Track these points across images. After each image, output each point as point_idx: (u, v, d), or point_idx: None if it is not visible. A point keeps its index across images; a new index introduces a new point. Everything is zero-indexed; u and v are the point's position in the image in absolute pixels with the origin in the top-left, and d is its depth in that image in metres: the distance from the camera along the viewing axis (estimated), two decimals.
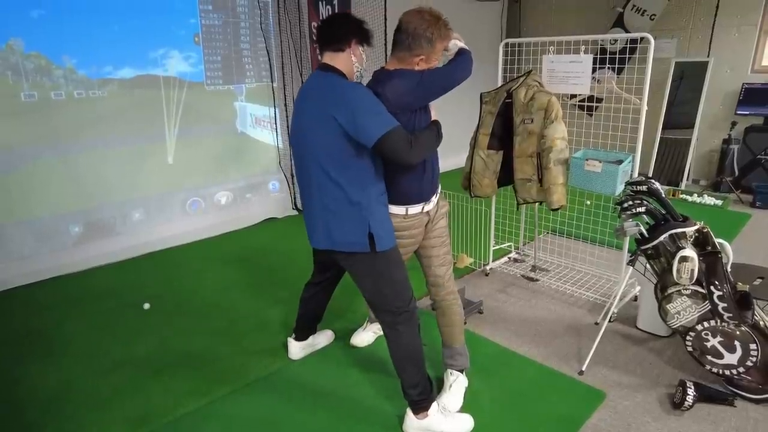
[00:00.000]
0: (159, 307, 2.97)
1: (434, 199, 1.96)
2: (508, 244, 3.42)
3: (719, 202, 4.61)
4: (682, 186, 5.15)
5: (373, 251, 1.73)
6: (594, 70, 2.62)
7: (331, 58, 1.75)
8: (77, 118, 3.47)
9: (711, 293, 1.93)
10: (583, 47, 2.52)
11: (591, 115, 2.99)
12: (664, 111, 5.24)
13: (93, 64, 3.45)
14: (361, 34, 1.76)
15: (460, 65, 1.79)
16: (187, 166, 4.08)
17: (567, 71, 2.60)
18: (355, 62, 1.76)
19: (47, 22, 3.22)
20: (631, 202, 2.10)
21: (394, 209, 1.88)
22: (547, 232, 3.83)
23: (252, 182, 4.52)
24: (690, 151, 5.12)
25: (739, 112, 4.98)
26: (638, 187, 2.13)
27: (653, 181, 2.12)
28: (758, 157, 4.82)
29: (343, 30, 1.74)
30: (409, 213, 1.89)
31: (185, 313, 2.89)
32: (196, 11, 3.87)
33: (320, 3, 3.85)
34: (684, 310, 2.02)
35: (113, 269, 3.57)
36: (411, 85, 1.70)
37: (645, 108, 2.42)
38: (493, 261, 3.31)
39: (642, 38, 2.41)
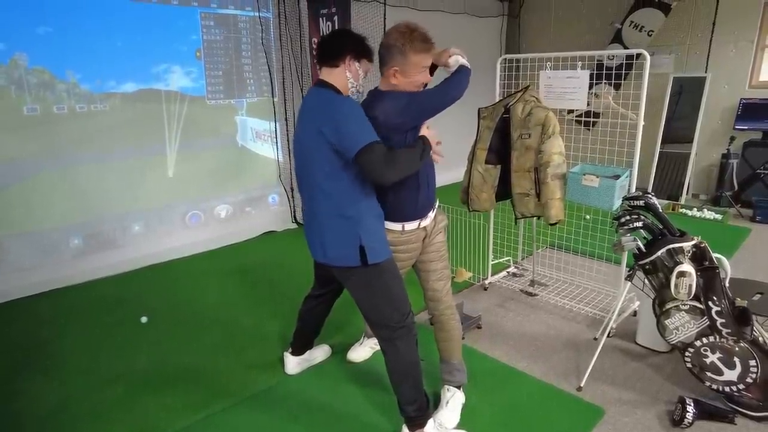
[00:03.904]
0: (158, 320, 2.97)
1: (431, 214, 1.96)
2: (507, 258, 3.42)
3: (719, 217, 4.61)
4: (682, 200, 5.15)
5: (364, 264, 1.73)
6: (592, 85, 2.64)
7: (327, 74, 1.78)
8: (79, 132, 3.50)
9: (709, 308, 1.92)
10: (579, 63, 2.54)
11: (590, 129, 3.00)
12: (662, 125, 5.27)
13: (96, 79, 3.49)
14: (358, 51, 1.77)
15: (452, 85, 1.79)
16: (187, 180, 4.11)
17: (564, 87, 2.62)
18: (350, 78, 1.77)
19: (52, 38, 3.28)
20: (628, 217, 2.10)
21: (391, 225, 1.89)
22: (547, 247, 3.82)
23: (252, 195, 4.54)
24: (689, 165, 5.13)
25: (737, 127, 5.00)
26: (635, 201, 2.14)
27: (650, 195, 2.13)
28: (757, 171, 4.83)
29: (339, 46, 1.76)
30: (406, 229, 1.90)
31: (184, 327, 2.89)
32: (198, 27, 3.92)
33: (321, 19, 3.91)
34: (682, 325, 2.01)
35: (113, 282, 3.57)
36: (401, 106, 1.71)
37: (642, 123, 2.44)
38: (491, 275, 3.30)
39: (639, 54, 2.43)
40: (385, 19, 3.38)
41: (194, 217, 4.22)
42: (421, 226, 1.93)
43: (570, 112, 2.91)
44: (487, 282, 3.27)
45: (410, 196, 1.86)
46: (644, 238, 2.16)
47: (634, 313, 2.82)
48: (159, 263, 3.88)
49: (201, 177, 4.20)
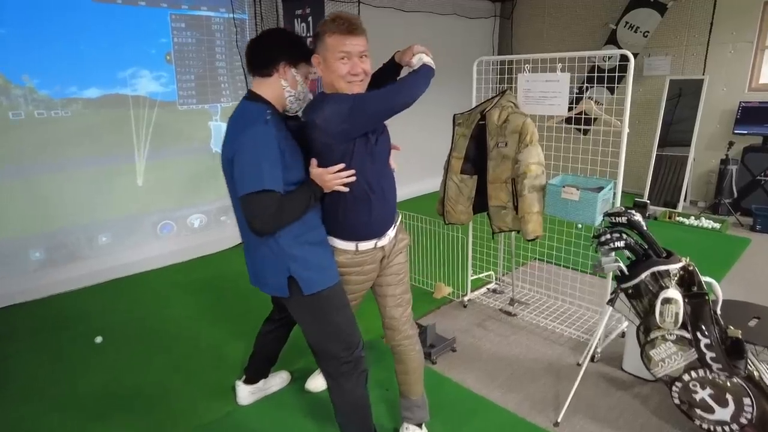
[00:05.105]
0: (116, 338, 2.81)
1: (390, 232, 1.77)
2: (487, 273, 3.21)
3: (717, 226, 4.39)
4: (680, 207, 4.94)
5: (297, 295, 1.55)
6: (587, 89, 2.45)
7: (258, 85, 1.58)
8: (39, 139, 3.32)
9: (697, 340, 1.72)
10: (559, 65, 2.35)
11: (585, 135, 2.77)
12: (659, 129, 5.07)
13: (56, 84, 3.32)
14: (294, 54, 1.57)
15: (406, 85, 1.57)
16: (158, 188, 3.92)
17: (543, 91, 2.43)
18: (285, 87, 1.58)
19: (6, 41, 3.10)
20: (608, 236, 1.90)
21: (344, 245, 1.70)
22: (535, 259, 3.61)
23: (227, 204, 4.26)
24: (687, 170, 4.92)
25: (736, 132, 4.79)
26: (617, 218, 1.94)
27: (633, 212, 1.93)
28: (757, 178, 4.62)
29: (270, 51, 1.56)
30: (359, 249, 1.71)
31: (141, 346, 2.73)
32: (168, 30, 3.75)
33: (296, 20, 3.73)
34: (669, 357, 1.80)
35: (76, 296, 3.40)
36: (343, 112, 1.51)
37: (626, 130, 2.24)
38: (471, 291, 3.10)
39: (634, 56, 2.23)
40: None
41: (166, 227, 4.04)
42: (377, 246, 1.73)
43: (568, 120, 2.68)
44: (466, 299, 3.06)
45: (362, 215, 1.66)
46: (627, 258, 1.96)
47: (623, 334, 2.61)
48: (127, 276, 3.70)
49: (173, 185, 4.02)
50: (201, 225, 4.21)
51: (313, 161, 1.59)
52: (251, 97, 1.60)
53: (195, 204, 4.15)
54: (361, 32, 1.54)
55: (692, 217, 4.58)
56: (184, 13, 3.81)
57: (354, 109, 1.52)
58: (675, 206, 4.94)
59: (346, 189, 1.61)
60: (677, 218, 4.64)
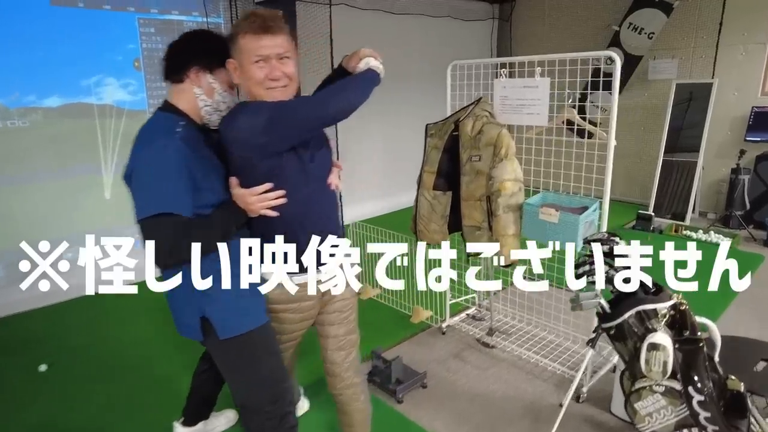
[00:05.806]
0: (65, 366, 2.61)
1: None
2: (467, 296, 2.94)
3: (728, 240, 4.07)
4: (688, 219, 4.62)
5: (212, 339, 1.34)
6: (572, 95, 2.19)
7: (172, 93, 1.39)
8: None
9: (689, 397, 1.45)
10: (538, 69, 2.09)
11: (584, 141, 2.47)
12: (665, 136, 4.77)
13: (12, 92, 3.14)
14: (208, 58, 1.36)
15: (343, 90, 1.33)
16: (127, 201, 3.71)
17: (521, 98, 2.17)
18: (200, 95, 1.37)
19: None
20: (588, 267, 1.64)
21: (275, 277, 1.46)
22: (524, 276, 3.32)
23: None
24: (695, 179, 4.61)
25: (748, 139, 4.47)
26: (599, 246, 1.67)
27: (617, 239, 1.66)
28: None
29: (181, 54, 1.36)
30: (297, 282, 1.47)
31: (88, 376, 2.53)
32: (136, 35, 3.56)
33: None
34: (657, 411, 1.53)
35: (33, 317, 3.21)
36: (260, 123, 1.28)
37: (613, 143, 1.97)
38: (450, 317, 2.84)
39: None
40: (330, 21, 2.95)
41: (137, 242, 3.83)
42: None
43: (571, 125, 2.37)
44: (445, 325, 2.80)
45: (294, 240, 1.43)
46: (611, 292, 1.69)
47: (614, 369, 2.33)
48: (92, 294, 3.49)
49: None
50: None
51: (233, 180, 1.37)
52: (164, 107, 1.40)
53: None
54: (278, 30, 1.31)
55: (700, 231, 4.26)
56: (153, 17, 3.62)
57: (274, 120, 1.29)
58: (683, 218, 4.62)
59: (275, 213, 1.38)
60: (684, 231, 4.32)
